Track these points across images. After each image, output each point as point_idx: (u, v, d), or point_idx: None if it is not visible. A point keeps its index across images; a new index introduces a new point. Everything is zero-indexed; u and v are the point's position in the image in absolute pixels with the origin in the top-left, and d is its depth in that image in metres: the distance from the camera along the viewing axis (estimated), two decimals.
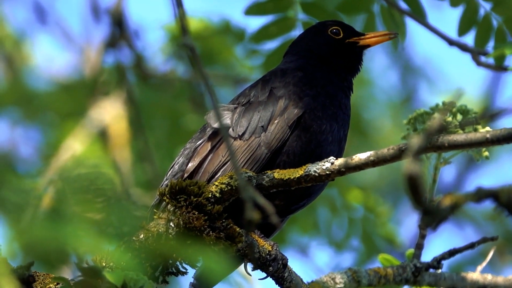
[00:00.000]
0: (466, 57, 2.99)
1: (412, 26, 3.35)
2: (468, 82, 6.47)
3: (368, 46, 2.71)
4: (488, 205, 1.49)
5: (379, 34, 2.79)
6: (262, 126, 2.35)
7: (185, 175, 2.41)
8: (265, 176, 2.21)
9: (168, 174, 2.55)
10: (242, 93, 2.60)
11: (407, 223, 6.96)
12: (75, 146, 5.46)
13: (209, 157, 2.39)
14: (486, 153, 2.30)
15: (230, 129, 2.38)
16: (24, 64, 6.67)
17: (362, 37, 2.70)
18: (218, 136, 2.39)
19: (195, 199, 2.11)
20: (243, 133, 2.36)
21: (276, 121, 2.36)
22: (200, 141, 2.48)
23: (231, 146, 2.20)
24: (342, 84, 2.61)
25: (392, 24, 3.20)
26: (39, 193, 1.80)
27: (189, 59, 4.90)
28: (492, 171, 7.11)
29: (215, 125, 2.36)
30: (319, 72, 2.56)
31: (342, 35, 2.69)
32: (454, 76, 7.02)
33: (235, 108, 2.47)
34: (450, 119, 2.26)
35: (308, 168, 2.17)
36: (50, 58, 6.70)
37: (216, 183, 2.20)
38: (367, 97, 7.04)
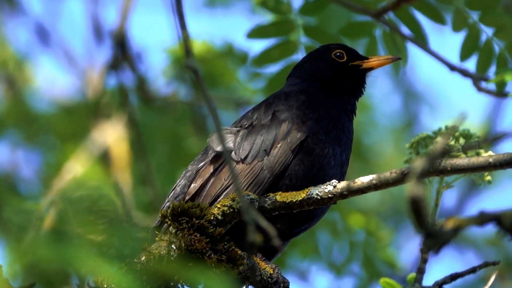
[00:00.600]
0: (467, 83, 3.00)
1: (413, 51, 3.36)
2: (470, 107, 6.47)
3: (371, 68, 2.71)
4: (490, 229, 1.49)
5: (382, 58, 2.79)
6: (265, 150, 2.35)
7: (187, 197, 2.40)
8: (267, 199, 2.20)
9: (169, 196, 2.54)
10: (244, 115, 2.60)
11: (408, 247, 6.94)
12: (76, 168, 5.45)
13: (211, 180, 2.38)
14: (489, 178, 2.30)
15: (233, 153, 2.38)
16: (26, 85, 6.68)
17: (366, 60, 2.71)
18: (220, 159, 2.39)
19: (197, 221, 2.11)
20: (246, 157, 2.36)
21: (279, 145, 2.36)
22: (202, 164, 2.48)
23: (233, 170, 2.20)
24: (345, 107, 2.61)
25: (394, 48, 3.21)
26: (40, 214, 1.80)
27: (193, 81, 4.92)
28: (493, 195, 7.09)
29: (218, 148, 2.35)
30: (322, 95, 2.56)
31: (345, 58, 2.69)
32: (456, 101, 7.03)
33: (238, 131, 2.46)
34: (452, 143, 2.26)
35: (310, 191, 2.16)
36: (52, 80, 6.71)
37: (218, 206, 2.19)
38: (368, 122, 7.04)
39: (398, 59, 2.83)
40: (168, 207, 2.24)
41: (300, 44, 3.44)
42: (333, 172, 2.36)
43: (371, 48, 3.21)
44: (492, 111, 6.54)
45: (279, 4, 3.53)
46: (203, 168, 2.45)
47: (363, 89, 2.75)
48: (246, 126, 2.48)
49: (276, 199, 2.20)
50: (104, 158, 5.79)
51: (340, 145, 2.47)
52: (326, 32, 3.48)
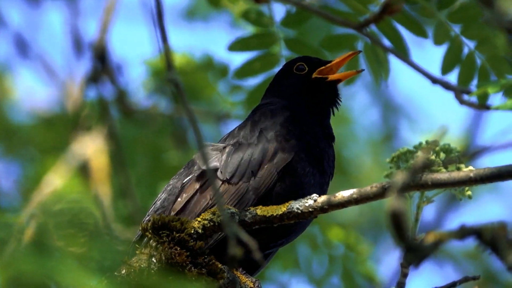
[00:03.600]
0: (448, 96, 3.01)
1: (394, 64, 3.37)
2: (450, 121, 6.52)
3: (338, 80, 2.71)
4: (469, 243, 1.49)
5: (344, 57, 2.77)
6: (252, 171, 2.34)
7: (172, 213, 2.39)
8: (247, 213, 2.20)
9: (150, 210, 2.53)
10: (230, 133, 2.58)
11: (387, 261, 6.96)
12: (56, 180, 5.43)
13: (195, 198, 2.37)
14: (469, 192, 2.30)
15: (218, 171, 2.37)
16: (5, 97, 6.64)
17: (331, 71, 2.69)
18: (205, 177, 2.38)
19: (177, 234, 2.11)
20: (232, 177, 2.35)
21: (266, 166, 2.35)
22: (187, 179, 2.46)
23: (218, 190, 2.20)
24: (321, 122, 2.62)
25: (375, 61, 3.22)
26: (21, 227, 1.79)
27: (173, 94, 4.92)
28: (473, 210, 7.13)
29: (203, 167, 2.35)
30: (299, 112, 2.56)
31: (307, 69, 2.68)
32: (435, 115, 7.07)
33: (224, 147, 2.46)
34: (433, 157, 2.26)
35: (291, 205, 2.17)
36: (32, 92, 6.68)
37: (199, 219, 2.19)
38: (347, 135, 7.07)
39: (361, 71, 2.84)
40: (149, 221, 2.24)
41: (281, 56, 3.45)
42: (313, 191, 2.35)
43: (353, 60, 3.22)
44: (472, 125, 6.58)
45: (261, 17, 3.54)
46: (188, 184, 2.44)
47: (335, 101, 2.74)
48: (232, 143, 2.47)
49: (256, 213, 2.20)
50: (84, 171, 5.77)
51: (322, 163, 2.48)
52: (308, 44, 3.49)
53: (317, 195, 2.17)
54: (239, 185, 2.33)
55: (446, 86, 2.99)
